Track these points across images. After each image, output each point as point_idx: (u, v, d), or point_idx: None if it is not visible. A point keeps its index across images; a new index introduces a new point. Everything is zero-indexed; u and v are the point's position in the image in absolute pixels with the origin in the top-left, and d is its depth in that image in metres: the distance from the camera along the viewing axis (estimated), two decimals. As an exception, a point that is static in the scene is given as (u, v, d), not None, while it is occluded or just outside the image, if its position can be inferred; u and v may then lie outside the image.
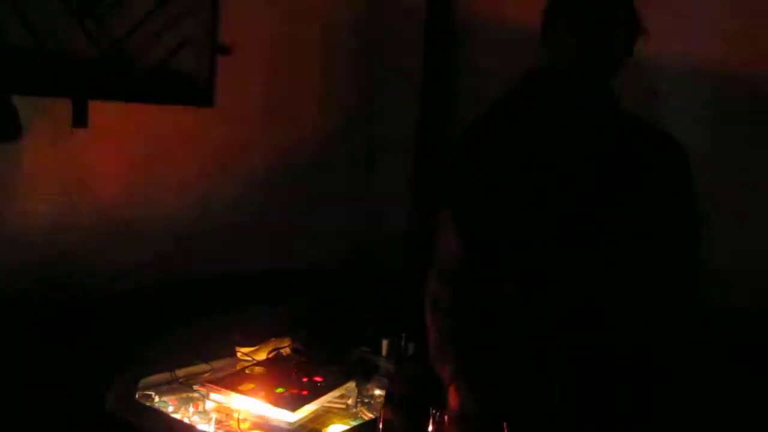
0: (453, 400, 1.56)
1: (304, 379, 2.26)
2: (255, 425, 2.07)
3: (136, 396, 2.11)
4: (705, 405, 1.94)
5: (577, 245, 1.59)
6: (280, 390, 2.17)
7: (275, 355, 2.47)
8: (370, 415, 2.20)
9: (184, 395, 2.21)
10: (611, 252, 1.60)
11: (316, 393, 2.18)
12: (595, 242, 1.59)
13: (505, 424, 1.47)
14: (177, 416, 2.09)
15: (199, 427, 2.05)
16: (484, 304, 1.62)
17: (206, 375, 2.31)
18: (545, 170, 1.61)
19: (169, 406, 2.14)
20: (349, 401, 2.26)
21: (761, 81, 2.43)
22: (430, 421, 1.51)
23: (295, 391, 2.17)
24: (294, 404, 2.09)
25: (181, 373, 2.28)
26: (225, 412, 2.12)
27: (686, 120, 2.41)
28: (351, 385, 2.29)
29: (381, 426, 1.68)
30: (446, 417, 1.52)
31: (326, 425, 2.14)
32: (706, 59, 2.49)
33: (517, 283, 1.60)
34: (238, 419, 2.07)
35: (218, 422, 2.09)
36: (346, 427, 2.12)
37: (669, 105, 2.51)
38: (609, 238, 1.60)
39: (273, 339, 2.51)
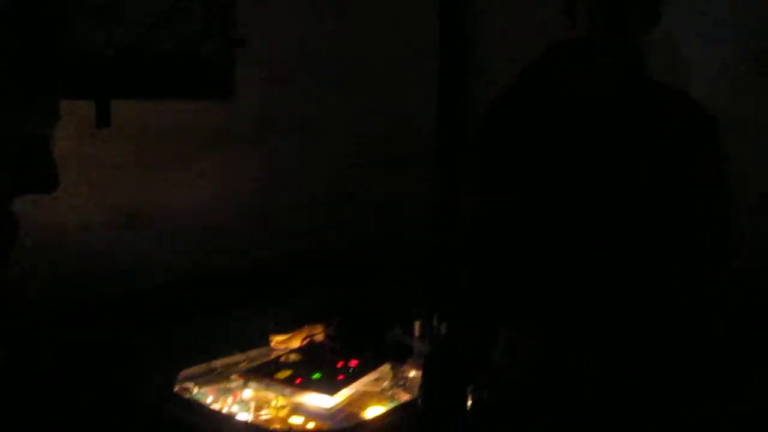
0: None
1: (339, 364, 2.27)
2: (293, 411, 2.09)
3: (175, 389, 2.14)
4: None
5: (604, 216, 1.59)
6: (316, 376, 2.18)
7: (309, 341, 2.49)
8: (407, 397, 2.21)
9: (222, 386, 2.23)
10: (638, 222, 1.59)
11: (351, 377, 2.20)
12: (624, 213, 1.59)
13: None
14: (216, 407, 2.12)
15: (239, 416, 2.07)
16: (512, 276, 1.63)
17: (242, 364, 2.34)
18: (573, 141, 1.60)
19: (208, 397, 2.17)
20: (385, 384, 2.27)
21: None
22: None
23: (331, 376, 2.19)
24: (331, 389, 2.11)
25: (217, 364, 2.31)
26: (263, 400, 2.15)
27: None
28: (386, 367, 2.31)
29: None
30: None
31: (363, 408, 2.15)
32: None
33: (545, 254, 1.60)
34: (277, 407, 2.09)
35: (257, 410, 2.11)
36: (384, 410, 2.13)
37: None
38: (636, 208, 1.59)
39: (306, 326, 2.53)
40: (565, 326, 1.59)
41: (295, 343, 2.47)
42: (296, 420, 2.06)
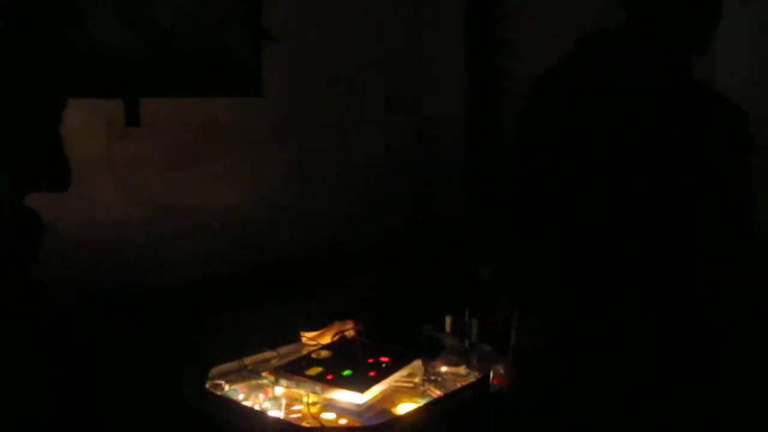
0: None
1: (370, 360, 2.26)
2: (325, 408, 2.09)
3: (207, 385, 2.14)
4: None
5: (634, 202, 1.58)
6: (347, 372, 2.17)
7: (340, 337, 2.48)
8: (438, 393, 2.20)
9: (254, 382, 2.23)
10: (656, 216, 1.58)
11: (382, 373, 2.18)
12: (642, 205, 1.58)
13: None
14: (248, 404, 2.12)
15: (271, 413, 2.07)
16: (554, 259, 1.63)
17: (273, 361, 2.34)
18: (605, 123, 1.60)
19: (240, 394, 2.17)
20: (416, 380, 2.26)
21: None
22: None
23: (361, 372, 2.18)
24: (362, 385, 2.09)
25: (248, 360, 2.31)
26: (294, 397, 2.14)
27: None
28: (417, 363, 2.29)
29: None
30: None
31: (395, 404, 2.14)
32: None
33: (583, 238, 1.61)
34: (308, 403, 2.09)
35: (288, 407, 2.11)
36: (415, 405, 2.12)
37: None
38: (655, 201, 1.58)
39: (336, 322, 2.53)
40: (576, 318, 1.60)
41: (326, 339, 2.47)
42: (328, 416, 2.05)
